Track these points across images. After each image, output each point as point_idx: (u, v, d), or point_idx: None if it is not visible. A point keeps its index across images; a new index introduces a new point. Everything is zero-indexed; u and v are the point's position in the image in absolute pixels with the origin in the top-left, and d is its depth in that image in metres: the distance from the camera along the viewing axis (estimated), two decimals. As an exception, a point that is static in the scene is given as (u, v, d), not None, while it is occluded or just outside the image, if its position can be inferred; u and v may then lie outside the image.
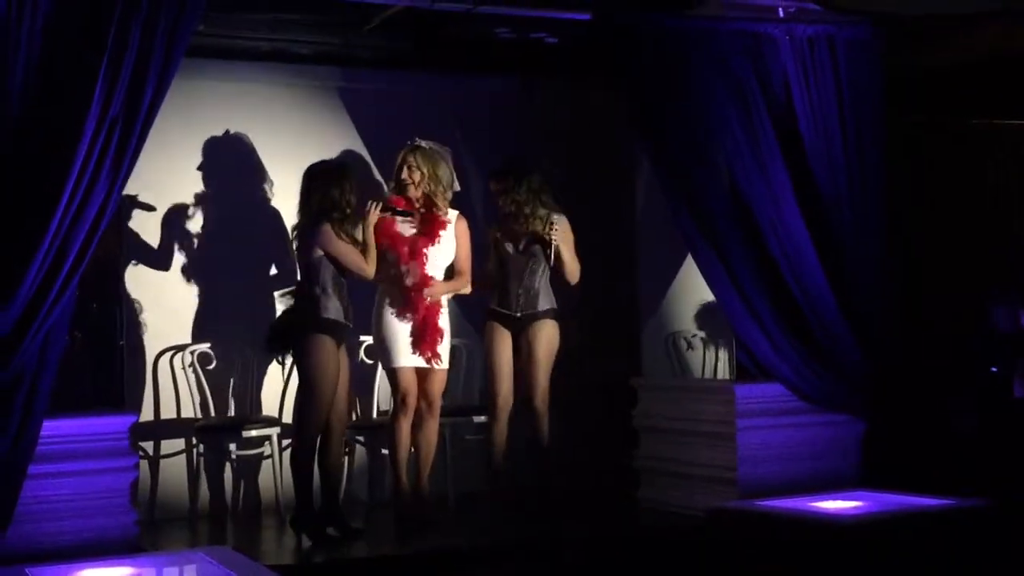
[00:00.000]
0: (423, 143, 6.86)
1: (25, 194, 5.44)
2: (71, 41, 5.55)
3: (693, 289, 7.95)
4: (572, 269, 7.10)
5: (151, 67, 5.70)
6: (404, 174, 6.84)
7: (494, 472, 7.13)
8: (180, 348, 7.61)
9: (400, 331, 6.75)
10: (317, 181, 6.68)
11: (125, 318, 7.21)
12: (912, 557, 6.22)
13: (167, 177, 7.61)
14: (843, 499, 6.93)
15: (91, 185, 5.54)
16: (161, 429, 7.57)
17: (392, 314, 6.77)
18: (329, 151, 7.79)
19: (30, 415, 5.52)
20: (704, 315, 8.15)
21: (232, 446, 7.37)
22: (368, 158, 8.07)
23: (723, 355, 8.10)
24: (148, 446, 7.51)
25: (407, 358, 6.76)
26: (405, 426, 6.82)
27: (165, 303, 7.62)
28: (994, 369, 7.68)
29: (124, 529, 6.01)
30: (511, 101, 8.47)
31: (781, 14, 7.33)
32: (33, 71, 5.48)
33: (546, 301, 7.12)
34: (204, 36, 6.85)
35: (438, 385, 6.89)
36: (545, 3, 7.02)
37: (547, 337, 7.08)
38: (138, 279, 7.55)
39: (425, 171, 6.81)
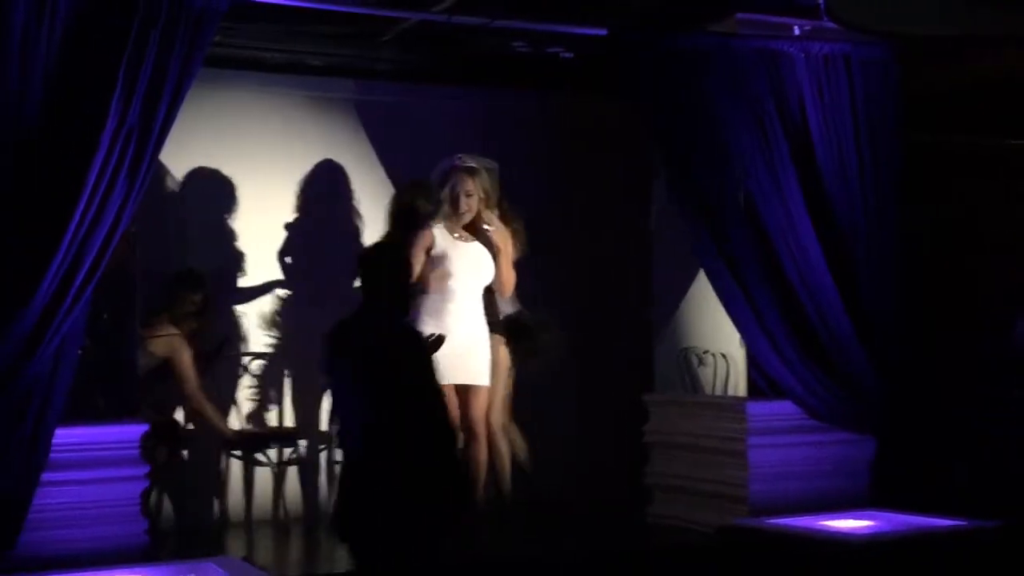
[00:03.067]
0: (475, 163, 6.68)
1: (41, 202, 5.44)
2: (89, 51, 5.55)
3: (705, 305, 7.93)
4: (508, 280, 6.84)
5: (168, 77, 5.68)
6: (463, 204, 6.65)
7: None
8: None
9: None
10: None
11: (137, 328, 7.22)
12: (923, 577, 6.21)
13: (181, 187, 7.63)
14: (854, 518, 6.91)
15: (107, 194, 5.53)
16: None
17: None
18: (343, 164, 7.79)
19: (43, 423, 5.52)
20: (716, 332, 8.13)
21: (266, 455, 7.51)
22: (383, 171, 8.08)
23: (735, 372, 8.07)
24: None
25: (446, 375, 6.49)
26: None
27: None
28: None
29: (134, 537, 5.99)
30: (527, 115, 8.47)
31: (797, 32, 7.33)
32: (51, 80, 5.46)
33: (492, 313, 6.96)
34: (219, 46, 6.87)
35: (479, 406, 6.66)
36: (561, 18, 7.04)
37: (498, 354, 6.88)
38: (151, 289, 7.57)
39: (482, 195, 6.69)
